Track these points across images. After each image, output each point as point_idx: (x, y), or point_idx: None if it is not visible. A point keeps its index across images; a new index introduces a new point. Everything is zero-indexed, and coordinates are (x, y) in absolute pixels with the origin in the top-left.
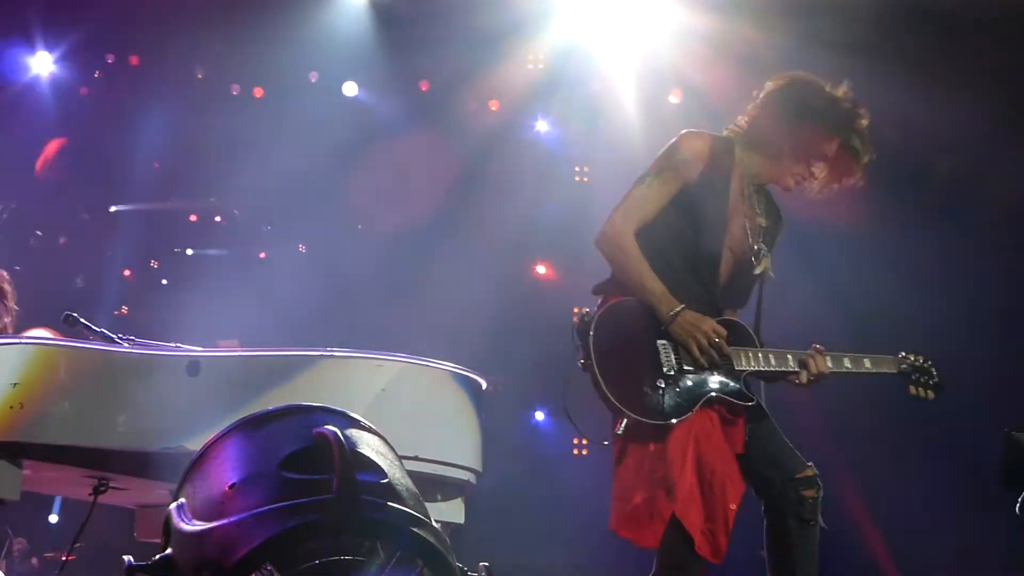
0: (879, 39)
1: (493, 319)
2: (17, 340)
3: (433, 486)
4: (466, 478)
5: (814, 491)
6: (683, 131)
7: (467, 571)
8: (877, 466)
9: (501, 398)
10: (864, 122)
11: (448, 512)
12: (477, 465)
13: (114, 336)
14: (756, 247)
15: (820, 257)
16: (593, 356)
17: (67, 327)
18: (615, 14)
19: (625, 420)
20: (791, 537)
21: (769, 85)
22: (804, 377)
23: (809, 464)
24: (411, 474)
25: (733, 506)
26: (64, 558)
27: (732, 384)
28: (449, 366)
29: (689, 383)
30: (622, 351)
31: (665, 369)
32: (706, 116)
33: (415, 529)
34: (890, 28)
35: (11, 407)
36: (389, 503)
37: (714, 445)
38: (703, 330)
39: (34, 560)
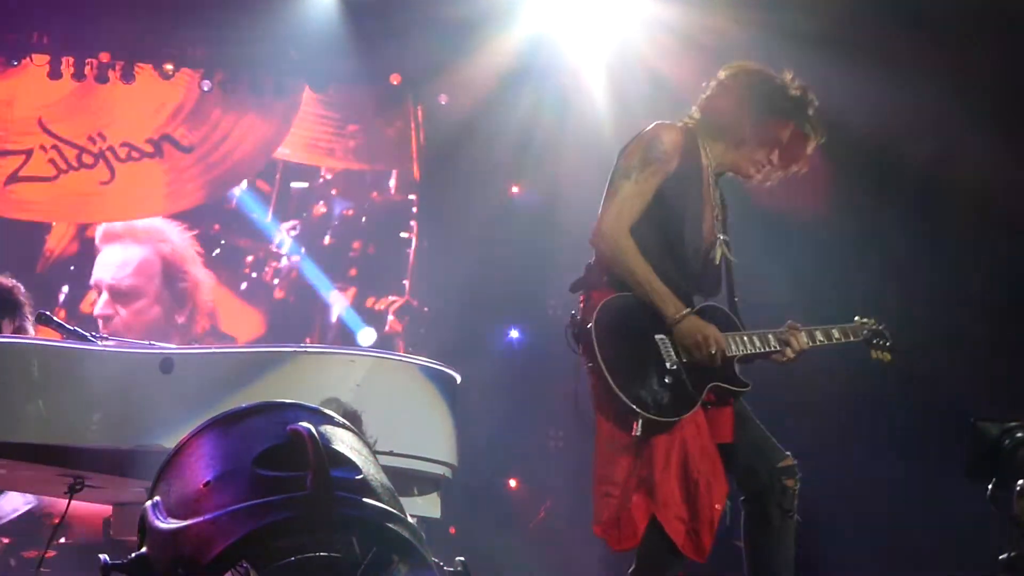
0: (849, 30)
1: (464, 310)
2: None
3: (408, 481)
4: (441, 472)
5: (794, 481)
6: (655, 123)
7: (443, 566)
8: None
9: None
10: (815, 106)
11: (424, 507)
12: (452, 459)
13: (87, 334)
14: (722, 236)
15: (788, 247)
16: (600, 357)
17: (40, 325)
18: (584, 5)
19: (640, 421)
20: (771, 527)
21: (720, 75)
22: (790, 353)
23: (787, 453)
24: (386, 469)
25: (719, 506)
26: (41, 556)
27: (727, 372)
28: (423, 360)
29: (691, 375)
30: (624, 349)
31: (668, 364)
32: (675, 108)
33: (390, 525)
34: (860, 18)
35: None
36: (364, 499)
37: (701, 443)
38: (708, 337)
39: (12, 561)
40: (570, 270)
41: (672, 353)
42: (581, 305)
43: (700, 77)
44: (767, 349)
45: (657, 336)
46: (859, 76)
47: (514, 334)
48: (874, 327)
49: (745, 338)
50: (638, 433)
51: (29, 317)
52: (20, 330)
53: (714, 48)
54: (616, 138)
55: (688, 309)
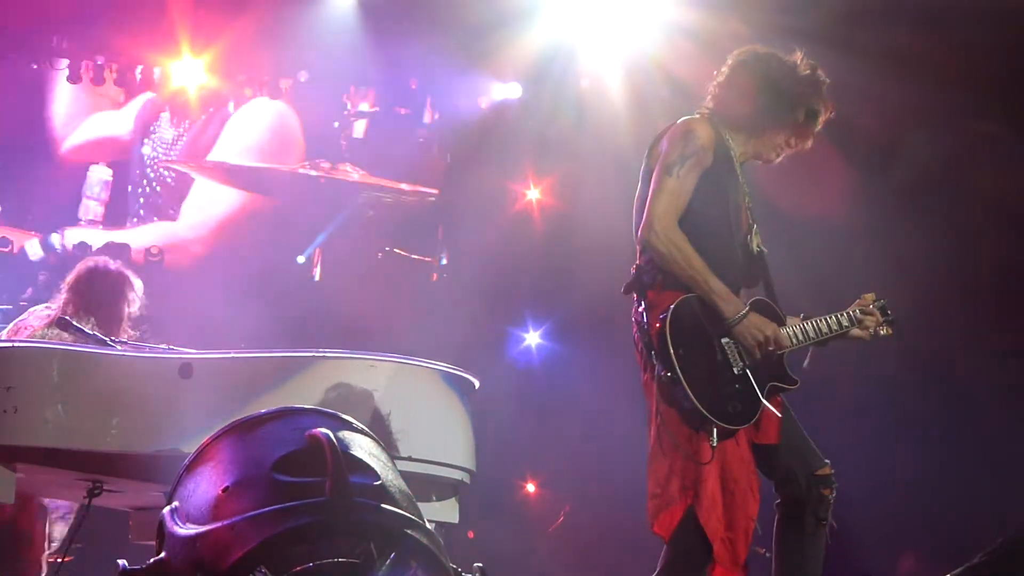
0: (863, 33)
1: (482, 312)
2: (10, 343)
3: (426, 486)
4: (459, 478)
5: (831, 490)
6: (683, 119)
7: (461, 571)
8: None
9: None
10: (826, 83)
11: (442, 512)
12: (471, 464)
13: (107, 339)
14: (753, 225)
15: (798, 241)
16: (678, 367)
17: (60, 330)
18: (602, 9)
19: (716, 430)
20: (804, 534)
21: (730, 63)
22: (867, 329)
23: (826, 461)
24: (404, 475)
25: (754, 519)
26: (60, 560)
27: (779, 370)
28: (442, 366)
29: (753, 379)
30: (696, 356)
31: (735, 370)
32: (692, 110)
33: (408, 530)
34: (874, 22)
35: (4, 411)
36: (382, 505)
37: (739, 455)
38: (768, 336)
39: None
40: (588, 272)
41: (737, 357)
42: (640, 308)
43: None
44: (819, 337)
45: (723, 340)
46: (873, 76)
47: (533, 338)
48: (879, 303)
49: (797, 328)
50: (715, 444)
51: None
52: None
53: (731, 51)
54: (634, 141)
55: (746, 308)
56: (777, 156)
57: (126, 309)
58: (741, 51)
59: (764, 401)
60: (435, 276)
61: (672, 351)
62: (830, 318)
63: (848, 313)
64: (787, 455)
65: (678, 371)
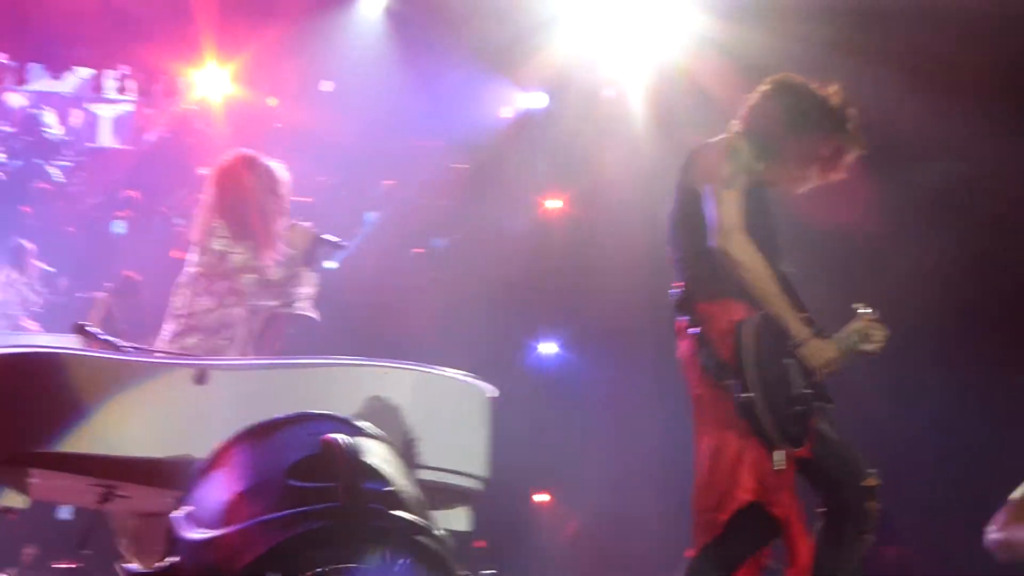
0: (896, 44)
1: (499, 320)
2: (23, 349)
3: (440, 494)
4: (473, 486)
5: (875, 502)
6: (725, 135)
7: None
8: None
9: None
10: (855, 120)
11: (454, 520)
12: (484, 473)
13: (121, 344)
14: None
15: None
16: (757, 390)
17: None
18: (627, 19)
19: (783, 453)
20: (843, 545)
21: (761, 90)
22: (877, 344)
23: (872, 472)
24: (417, 482)
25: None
26: (73, 566)
27: (823, 390)
28: (458, 374)
29: (808, 400)
30: (767, 376)
31: (794, 391)
32: (717, 121)
33: (420, 538)
34: (906, 34)
35: (18, 417)
36: (394, 511)
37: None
38: (831, 359)
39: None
40: (607, 283)
41: (799, 380)
42: (694, 323)
43: (743, 91)
44: (858, 344)
45: (786, 361)
46: (898, 85)
47: (551, 347)
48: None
49: (841, 344)
50: (783, 467)
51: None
52: None
53: (757, 62)
54: (658, 152)
55: (811, 330)
56: (796, 186)
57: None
58: (775, 78)
59: (820, 426)
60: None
61: (748, 370)
62: (850, 336)
63: (860, 331)
64: (834, 466)
65: (755, 391)
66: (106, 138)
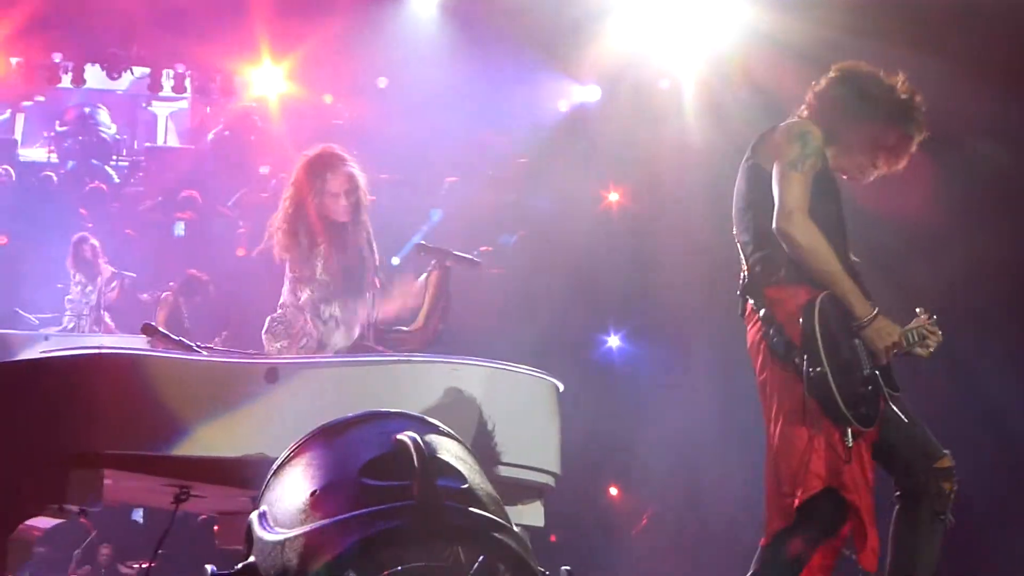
0: (946, 35)
1: (562, 315)
2: (96, 350)
3: (512, 490)
4: (545, 481)
5: (951, 483)
6: (795, 119)
7: (548, 575)
8: None
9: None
10: (922, 110)
11: (528, 515)
12: (556, 468)
13: (192, 344)
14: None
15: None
16: (827, 366)
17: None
18: (679, 11)
19: (851, 431)
20: (921, 528)
21: (829, 77)
22: (932, 346)
23: (946, 452)
24: (490, 478)
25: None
26: (147, 565)
27: (891, 375)
28: (526, 369)
29: (877, 381)
30: (837, 355)
31: (865, 371)
32: (769, 113)
33: (496, 534)
34: (955, 24)
35: (92, 418)
36: (470, 508)
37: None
38: (896, 341)
39: (121, 569)
40: (668, 274)
41: (867, 360)
42: (760, 307)
43: (796, 83)
44: (915, 345)
45: (855, 341)
46: (950, 78)
47: (614, 341)
48: (933, 317)
49: (907, 336)
50: (850, 444)
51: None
52: None
53: (811, 54)
54: (711, 143)
55: (876, 309)
56: (862, 174)
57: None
58: (843, 65)
59: (892, 407)
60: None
61: (821, 346)
62: (909, 333)
63: (917, 331)
64: (906, 448)
65: (827, 368)
66: (163, 137)
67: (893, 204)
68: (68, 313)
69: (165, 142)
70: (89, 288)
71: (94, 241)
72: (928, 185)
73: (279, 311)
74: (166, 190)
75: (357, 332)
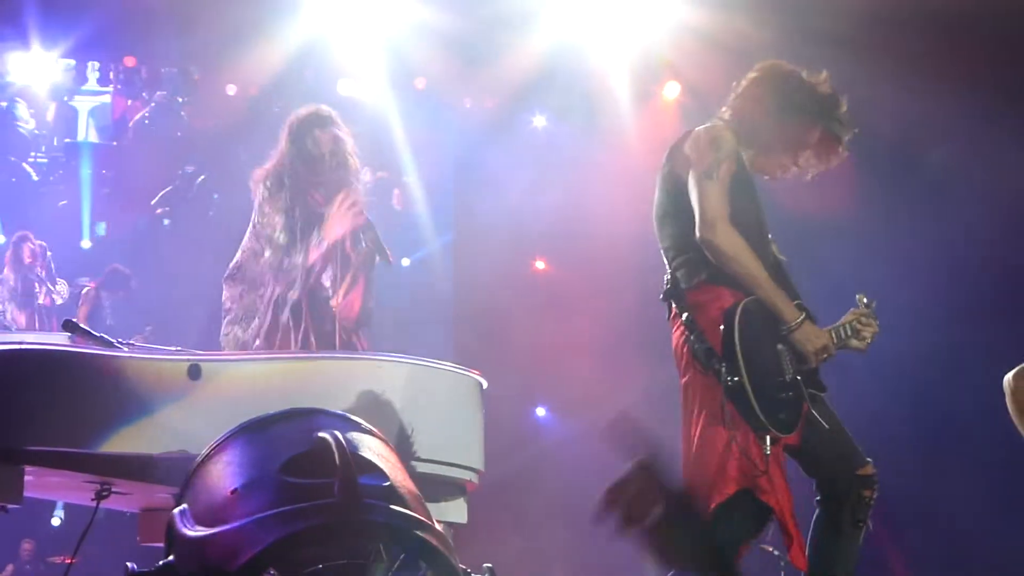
0: (870, 33)
1: (492, 315)
2: (17, 345)
3: (435, 486)
4: (468, 477)
5: (871, 491)
6: (707, 125)
7: (471, 572)
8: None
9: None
10: (844, 107)
11: (451, 512)
12: (479, 464)
13: (114, 340)
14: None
15: (810, 246)
16: (745, 375)
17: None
18: (609, 9)
19: (769, 437)
20: (840, 534)
21: (750, 77)
22: (867, 339)
23: (868, 460)
24: (413, 475)
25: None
26: (68, 561)
27: (815, 377)
28: (449, 366)
29: (799, 387)
30: (757, 361)
31: (787, 377)
32: (700, 111)
33: (418, 531)
34: (880, 21)
35: (11, 414)
36: (392, 506)
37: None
38: (824, 344)
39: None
40: (596, 275)
41: (789, 364)
42: (682, 312)
43: (725, 80)
44: (849, 339)
45: (778, 347)
46: (879, 76)
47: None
48: (871, 304)
49: (833, 335)
50: (767, 451)
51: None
52: None
53: (739, 50)
54: (642, 142)
55: (803, 314)
56: (785, 174)
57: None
58: (763, 64)
59: (813, 413)
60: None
61: (740, 354)
62: (841, 329)
63: (850, 324)
64: (830, 455)
65: (744, 376)
66: (83, 132)
67: (818, 201)
68: None
69: (86, 137)
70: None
71: (37, 243)
72: (854, 182)
73: (239, 255)
74: (89, 187)
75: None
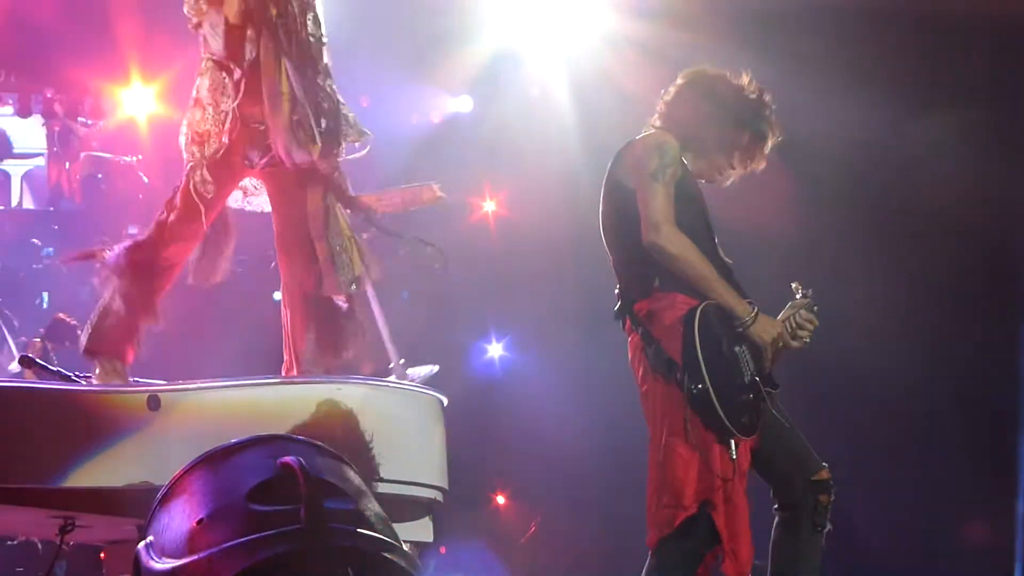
0: (811, 44)
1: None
2: None
3: (400, 507)
4: (433, 496)
5: (828, 496)
6: (649, 131)
7: None
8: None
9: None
10: (770, 108)
11: (417, 532)
12: (443, 483)
13: (71, 374)
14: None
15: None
16: (709, 381)
17: (24, 367)
18: (549, 20)
19: (734, 442)
20: (800, 540)
21: (678, 84)
22: (806, 336)
23: (824, 465)
24: (378, 497)
25: (747, 523)
26: None
27: (769, 377)
28: (409, 385)
29: (758, 387)
30: (718, 366)
31: (746, 379)
32: (640, 119)
33: (385, 554)
34: (822, 33)
35: None
36: (358, 529)
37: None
38: (780, 333)
39: None
40: (546, 282)
41: (747, 366)
42: (638, 323)
43: (661, 88)
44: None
45: (736, 348)
46: (824, 90)
47: (494, 349)
48: (807, 294)
49: (785, 325)
50: (734, 456)
51: None
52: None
53: (678, 60)
54: (583, 150)
55: (755, 308)
56: (721, 176)
57: None
58: (689, 71)
59: (774, 411)
60: None
61: (702, 361)
62: (787, 322)
63: (792, 319)
64: (784, 460)
65: (708, 382)
66: (17, 198)
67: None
68: None
69: (20, 204)
70: None
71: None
72: (787, 190)
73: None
74: (26, 256)
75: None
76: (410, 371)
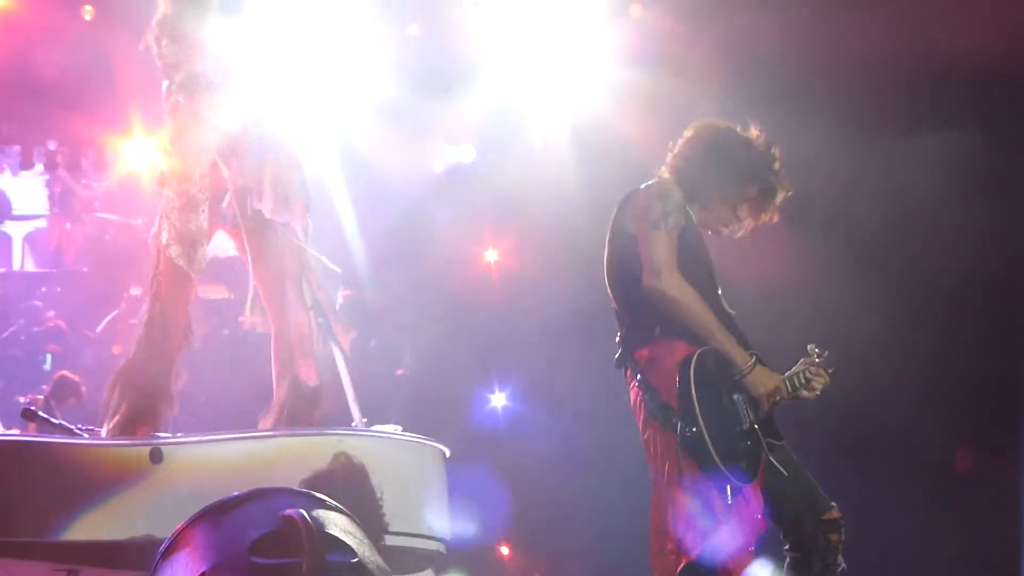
0: (812, 91)
1: (442, 377)
2: None
3: (403, 559)
4: (436, 548)
5: (839, 535)
6: (653, 181)
7: None
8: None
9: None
10: (779, 162)
11: None
12: (446, 534)
13: (74, 427)
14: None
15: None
16: (703, 425)
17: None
18: (547, 70)
19: (730, 488)
20: None
21: (686, 135)
22: (816, 390)
23: (833, 504)
24: (380, 549)
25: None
26: None
27: (772, 426)
28: (411, 436)
29: (756, 435)
30: (715, 412)
31: (744, 426)
32: (641, 169)
33: None
34: (822, 80)
35: None
36: None
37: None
38: (777, 387)
39: None
40: (549, 332)
41: (747, 414)
42: (639, 370)
43: (666, 139)
44: (800, 389)
45: (734, 396)
46: (819, 135)
47: (497, 399)
48: (823, 354)
49: (786, 383)
50: (730, 501)
51: None
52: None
53: (680, 111)
54: (585, 199)
55: (755, 358)
56: (727, 228)
57: None
58: (698, 123)
59: (772, 460)
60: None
61: (696, 404)
62: (795, 378)
63: (802, 374)
64: (793, 502)
65: (702, 425)
66: (19, 261)
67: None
68: None
69: (22, 267)
70: None
71: None
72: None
73: None
74: (28, 319)
75: None
76: (374, 428)
